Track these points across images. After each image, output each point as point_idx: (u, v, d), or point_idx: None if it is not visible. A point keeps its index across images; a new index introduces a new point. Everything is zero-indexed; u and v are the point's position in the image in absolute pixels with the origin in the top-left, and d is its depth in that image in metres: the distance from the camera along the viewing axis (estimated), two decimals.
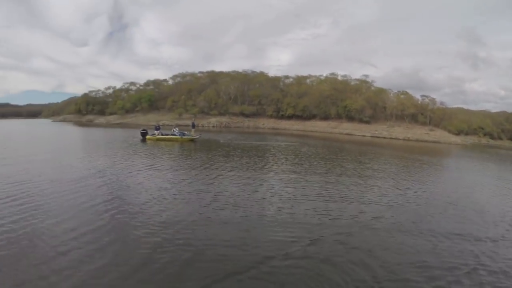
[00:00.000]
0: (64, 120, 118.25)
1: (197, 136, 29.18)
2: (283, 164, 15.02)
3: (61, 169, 12.31)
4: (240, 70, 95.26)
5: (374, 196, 9.62)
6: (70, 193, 8.68)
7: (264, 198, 8.76)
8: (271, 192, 9.47)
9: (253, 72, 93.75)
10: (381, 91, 78.55)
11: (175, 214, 7.18)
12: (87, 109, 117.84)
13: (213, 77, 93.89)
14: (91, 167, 12.77)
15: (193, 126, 33.73)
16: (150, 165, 13.77)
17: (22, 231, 6.12)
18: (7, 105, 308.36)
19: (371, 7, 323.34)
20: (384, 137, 58.52)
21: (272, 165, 14.68)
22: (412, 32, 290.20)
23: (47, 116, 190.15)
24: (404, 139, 56.74)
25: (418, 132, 62.11)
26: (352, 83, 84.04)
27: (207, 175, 11.87)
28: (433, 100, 74.35)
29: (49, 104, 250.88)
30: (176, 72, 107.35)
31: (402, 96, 77.41)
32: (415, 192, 10.86)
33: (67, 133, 42.77)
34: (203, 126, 67.32)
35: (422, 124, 67.54)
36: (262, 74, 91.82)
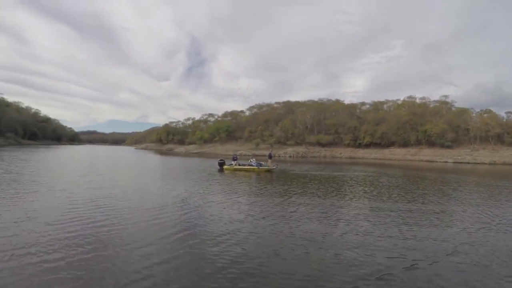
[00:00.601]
0: (146, 148, 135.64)
1: (274, 167, 29.67)
2: (361, 197, 14.82)
3: (141, 196, 13.28)
4: (315, 99, 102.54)
5: (460, 232, 9.02)
6: (148, 221, 9.27)
7: (343, 234, 8.58)
8: (349, 226, 9.38)
9: (328, 100, 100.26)
10: (462, 112, 78.73)
11: (252, 247, 7.34)
12: (168, 138, 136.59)
13: (289, 107, 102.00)
14: (170, 196, 13.56)
15: (270, 156, 34.23)
16: (228, 196, 14.35)
17: (96, 253, 6.61)
18: (94, 132, 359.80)
19: (443, 21, 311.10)
20: (468, 162, 58.45)
21: (351, 198, 14.59)
22: (490, 41, 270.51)
23: (130, 144, 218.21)
24: (490, 163, 55.99)
25: (505, 155, 61.11)
26: (431, 105, 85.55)
27: (283, 207, 12.00)
28: None
29: (132, 132, 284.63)
30: (252, 103, 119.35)
31: (486, 115, 76.39)
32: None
33: (149, 160, 45.59)
34: (279, 156, 71.07)
35: (509, 145, 66.35)
36: (337, 102, 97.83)
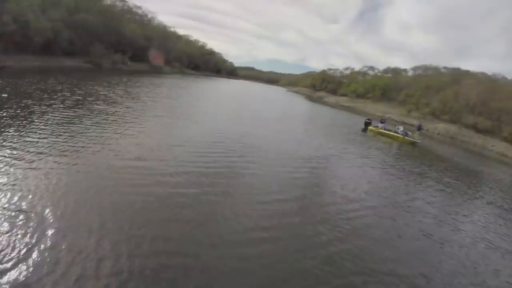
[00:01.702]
0: (298, 92, 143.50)
1: (419, 141, 28.68)
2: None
3: (279, 144, 14.07)
4: (489, 73, 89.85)
5: None
6: (275, 172, 10.00)
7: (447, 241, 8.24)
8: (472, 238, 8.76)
9: (504, 78, 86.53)
10: None
11: (367, 213, 7.96)
12: (321, 86, 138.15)
13: (457, 75, 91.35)
14: (307, 151, 14.18)
15: (419, 128, 33.34)
16: (362, 160, 14.74)
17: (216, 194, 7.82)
18: (252, 69, 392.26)
19: None
20: None
21: (492, 205, 13.06)
22: None
23: (283, 85, 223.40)
24: None
25: None
26: None
27: (413, 188, 12.09)
28: None
29: (289, 74, 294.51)
30: (419, 63, 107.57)
31: None
32: None
33: (298, 107, 46.98)
34: (427, 130, 65.64)
35: None
36: None
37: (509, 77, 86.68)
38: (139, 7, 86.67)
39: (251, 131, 16.50)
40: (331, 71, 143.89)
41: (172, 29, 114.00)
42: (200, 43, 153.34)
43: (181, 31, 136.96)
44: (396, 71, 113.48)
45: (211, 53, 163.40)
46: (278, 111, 30.80)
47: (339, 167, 13.14)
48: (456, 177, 17.59)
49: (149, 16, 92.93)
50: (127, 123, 13.87)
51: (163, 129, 14.15)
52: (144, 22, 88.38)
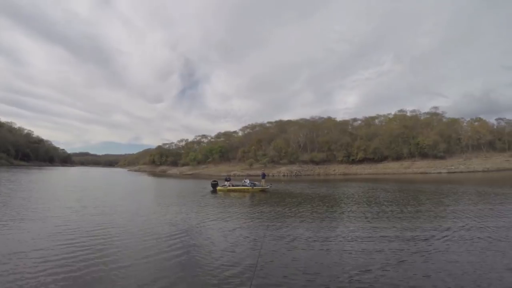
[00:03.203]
0: (139, 170, 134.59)
1: (268, 186, 29.72)
2: (358, 215, 14.75)
3: (136, 222, 13.12)
4: (307, 117, 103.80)
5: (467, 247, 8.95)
6: (142, 248, 9.14)
7: (343, 250, 8.76)
8: (347, 243, 9.53)
9: (320, 118, 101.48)
10: (453, 122, 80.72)
11: (248, 271, 7.29)
12: (161, 160, 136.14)
13: (282, 126, 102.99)
14: (164, 221, 13.42)
15: (263, 176, 34.79)
16: (221, 217, 14.43)
17: (90, 275, 6.89)
18: (87, 154, 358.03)
19: (431, 33, 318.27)
20: (461, 172, 59.41)
21: (346, 215, 14.72)
22: (477, 51, 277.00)
23: (123, 166, 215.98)
24: (483, 171, 57.16)
25: (497, 161, 62.75)
26: (422, 117, 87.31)
27: (278, 228, 12.02)
28: (509, 123, 74.97)
29: (125, 154, 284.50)
30: (245, 123, 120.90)
31: (476, 123, 78.53)
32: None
33: (142, 183, 45.10)
34: (273, 175, 71.58)
35: (501, 151, 68.00)
36: (330, 119, 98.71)
37: (325, 116, 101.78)
38: None
39: (104, 219, 13.89)
40: (167, 145, 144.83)
41: None
42: (25, 131, 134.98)
43: (2, 118, 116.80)
44: (227, 134, 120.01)
45: (39, 141, 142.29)
46: (125, 193, 27.87)
47: (201, 231, 11.69)
48: (314, 205, 18.54)
49: None
50: None
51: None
52: None
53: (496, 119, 78.87)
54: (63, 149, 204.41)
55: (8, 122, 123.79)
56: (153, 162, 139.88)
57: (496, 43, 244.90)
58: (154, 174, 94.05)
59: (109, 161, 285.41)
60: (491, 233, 10.52)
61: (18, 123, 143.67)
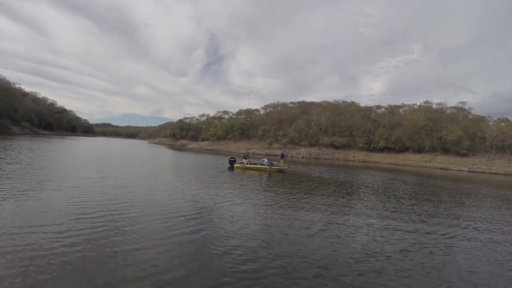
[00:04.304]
0: (159, 143, 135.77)
1: (286, 167, 29.96)
2: (374, 205, 14.53)
3: (153, 195, 13.05)
4: (331, 100, 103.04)
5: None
6: (158, 220, 9.22)
7: (354, 239, 8.78)
8: (357, 234, 9.33)
9: (344, 102, 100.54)
10: (479, 120, 78.10)
11: (259, 249, 7.45)
12: (181, 134, 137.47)
13: (304, 107, 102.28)
14: (180, 195, 13.36)
15: (282, 156, 34.57)
16: (237, 197, 14.15)
17: (105, 242, 7.02)
18: (109, 125, 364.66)
19: (462, 28, 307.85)
20: (483, 172, 58.18)
21: (362, 204, 14.58)
22: (510, 50, 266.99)
23: (143, 138, 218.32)
24: (505, 174, 55.71)
25: None
26: (448, 111, 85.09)
27: (292, 210, 12.05)
28: None
29: (147, 127, 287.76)
30: (268, 102, 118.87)
31: (503, 123, 75.96)
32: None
33: (162, 156, 45.12)
34: (292, 156, 71.85)
35: None
36: (353, 104, 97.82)
37: (348, 101, 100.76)
38: None
39: (123, 192, 13.39)
40: (188, 119, 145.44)
41: (16, 86, 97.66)
42: (49, 101, 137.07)
43: (26, 88, 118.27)
44: (249, 112, 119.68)
45: (62, 111, 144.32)
46: (145, 166, 27.03)
47: (215, 208, 11.70)
48: (330, 191, 18.41)
49: None
50: None
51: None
52: None
53: None
54: (86, 120, 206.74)
55: (32, 92, 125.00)
56: (173, 136, 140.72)
57: None
58: (173, 147, 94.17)
59: (130, 133, 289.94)
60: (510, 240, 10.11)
61: (42, 93, 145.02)
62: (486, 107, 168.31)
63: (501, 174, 56.22)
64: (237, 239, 8.12)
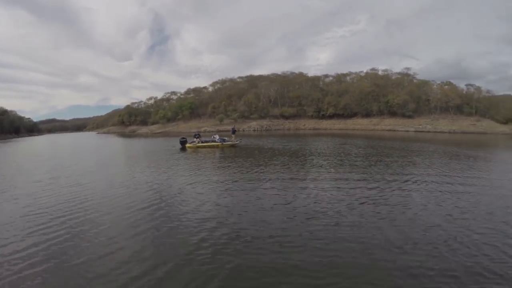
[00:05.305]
0: (108, 132, 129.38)
1: (238, 142, 30.22)
2: (325, 167, 15.05)
3: (107, 186, 12.87)
4: (279, 72, 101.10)
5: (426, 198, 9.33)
6: (116, 210, 9.11)
7: (310, 203, 8.90)
8: (314, 196, 9.55)
9: (292, 73, 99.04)
10: (424, 84, 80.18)
11: (209, 224, 7.53)
12: (130, 120, 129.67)
13: (253, 81, 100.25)
14: (134, 181, 13.28)
15: (233, 131, 34.70)
16: (190, 175, 14.15)
17: (70, 235, 7.07)
18: (54, 120, 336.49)
19: None
20: (428, 131, 60.05)
21: (316, 169, 14.72)
22: (453, 20, 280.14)
23: (91, 129, 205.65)
24: (449, 132, 57.74)
25: (463, 124, 63.01)
26: (393, 77, 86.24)
27: (248, 182, 12.06)
28: (478, 89, 74.74)
29: (94, 117, 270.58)
30: (216, 79, 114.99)
31: (446, 87, 78.28)
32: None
33: (111, 145, 44.66)
34: (243, 130, 71.57)
35: (468, 115, 68.21)
36: (301, 74, 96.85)
37: (296, 72, 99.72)
38: None
39: (78, 191, 12.05)
40: (135, 104, 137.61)
41: None
42: None
43: None
44: (197, 90, 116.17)
45: (3, 112, 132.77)
46: (96, 159, 25.53)
47: (170, 188, 11.68)
48: (284, 159, 18.79)
49: None
50: None
51: None
52: None
53: (466, 85, 77.89)
54: (29, 118, 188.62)
55: None
56: (122, 123, 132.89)
57: (470, 13, 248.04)
58: (123, 135, 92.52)
59: (78, 126, 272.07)
60: (454, 188, 10.81)
61: None
62: (431, 73, 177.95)
63: (445, 132, 58.30)
64: (202, 222, 7.90)
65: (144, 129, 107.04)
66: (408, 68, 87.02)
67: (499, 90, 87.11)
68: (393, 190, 10.28)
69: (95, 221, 8.24)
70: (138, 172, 16.21)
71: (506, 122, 63.74)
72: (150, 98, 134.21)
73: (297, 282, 4.91)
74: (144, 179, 13.85)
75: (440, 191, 10.14)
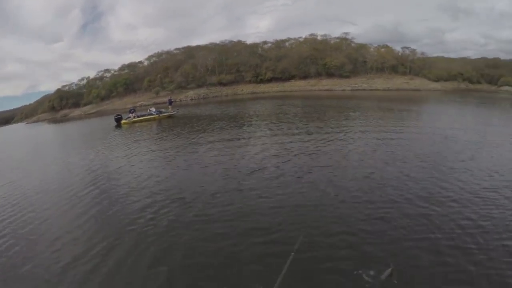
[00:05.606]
0: (38, 120, 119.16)
1: (174, 112, 30.10)
2: (264, 129, 15.08)
3: (44, 178, 12.04)
4: (218, 42, 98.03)
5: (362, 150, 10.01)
6: (53, 200, 8.79)
7: (255, 163, 9.11)
8: (254, 154, 9.92)
9: (230, 42, 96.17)
10: (361, 47, 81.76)
11: (156, 198, 7.45)
12: (61, 104, 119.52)
13: (190, 52, 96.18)
14: (71, 168, 12.71)
15: (170, 102, 34.58)
16: (129, 152, 13.67)
17: (19, 231, 6.81)
18: None
19: None
20: (364, 89, 61.69)
21: (254, 129, 15.09)
22: None
23: (20, 120, 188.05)
24: (384, 90, 59.54)
25: (398, 82, 65.48)
26: (332, 42, 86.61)
27: (187, 148, 12.08)
28: (413, 51, 77.91)
29: (22, 107, 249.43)
30: (152, 53, 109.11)
31: (383, 49, 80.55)
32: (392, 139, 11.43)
33: (41, 134, 41.48)
34: (180, 100, 69.48)
35: (402, 74, 70.88)
36: (239, 42, 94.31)
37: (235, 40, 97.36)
38: None
39: (13, 188, 11.06)
40: (66, 87, 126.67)
41: None
42: None
43: None
44: (132, 66, 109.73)
45: None
46: (29, 147, 24.40)
47: (111, 168, 11.49)
48: (222, 125, 18.83)
49: None
50: None
51: None
52: None
53: (402, 48, 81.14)
54: None
55: None
56: (53, 108, 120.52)
57: None
58: (55, 120, 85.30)
59: (5, 119, 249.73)
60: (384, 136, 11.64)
61: None
62: (369, 38, 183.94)
63: (380, 90, 60.52)
64: (146, 198, 7.65)
65: (77, 112, 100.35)
66: (346, 33, 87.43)
67: (433, 52, 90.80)
68: (331, 141, 11.01)
69: (36, 219, 7.61)
70: (73, 157, 15.46)
71: (437, 80, 68.00)
72: (82, 79, 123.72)
73: (246, 226, 5.50)
74: (81, 163, 13.25)
75: (376, 141, 10.88)
